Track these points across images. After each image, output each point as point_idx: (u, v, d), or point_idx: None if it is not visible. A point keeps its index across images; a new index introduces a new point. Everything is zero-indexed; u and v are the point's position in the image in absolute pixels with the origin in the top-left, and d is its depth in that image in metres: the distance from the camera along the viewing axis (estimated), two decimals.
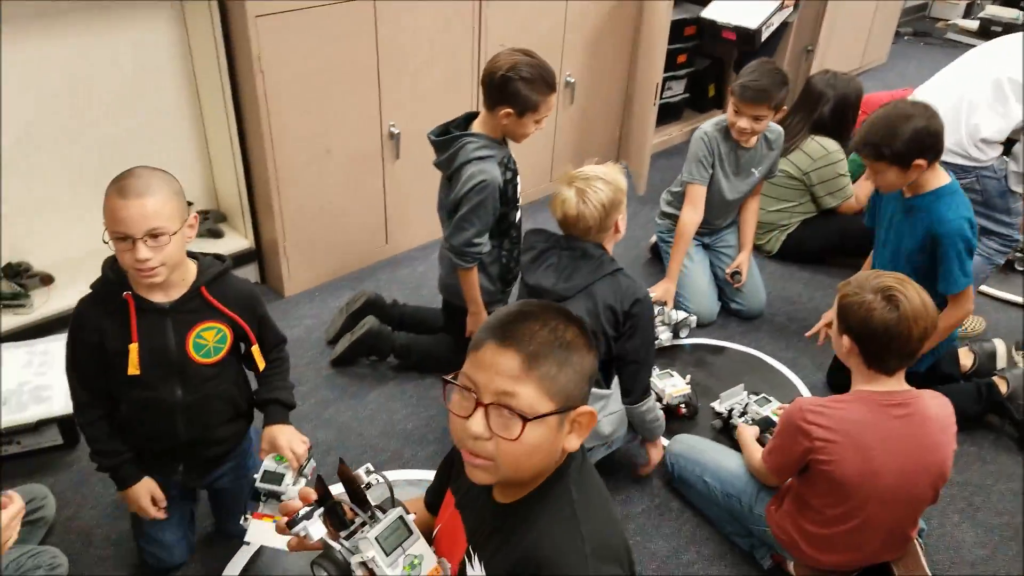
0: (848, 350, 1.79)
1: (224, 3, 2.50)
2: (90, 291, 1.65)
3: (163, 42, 2.66)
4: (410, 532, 1.37)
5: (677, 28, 3.87)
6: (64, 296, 2.58)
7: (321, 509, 1.31)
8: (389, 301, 2.79)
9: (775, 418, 2.29)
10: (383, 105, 2.92)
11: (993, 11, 6.01)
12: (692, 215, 2.80)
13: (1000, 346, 2.67)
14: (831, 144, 3.08)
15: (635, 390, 2.05)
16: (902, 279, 1.75)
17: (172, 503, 1.84)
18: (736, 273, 2.95)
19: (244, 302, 1.72)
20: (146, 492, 1.76)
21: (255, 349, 1.75)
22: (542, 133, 3.48)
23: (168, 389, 1.68)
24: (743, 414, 2.38)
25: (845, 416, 1.75)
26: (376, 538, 1.30)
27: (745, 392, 2.46)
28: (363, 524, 1.27)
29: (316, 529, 1.33)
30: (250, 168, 2.82)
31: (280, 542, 1.37)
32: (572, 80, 3.54)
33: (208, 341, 1.68)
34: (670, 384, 2.47)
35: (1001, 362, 2.65)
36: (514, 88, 2.08)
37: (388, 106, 2.94)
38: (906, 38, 5.91)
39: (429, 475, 1.48)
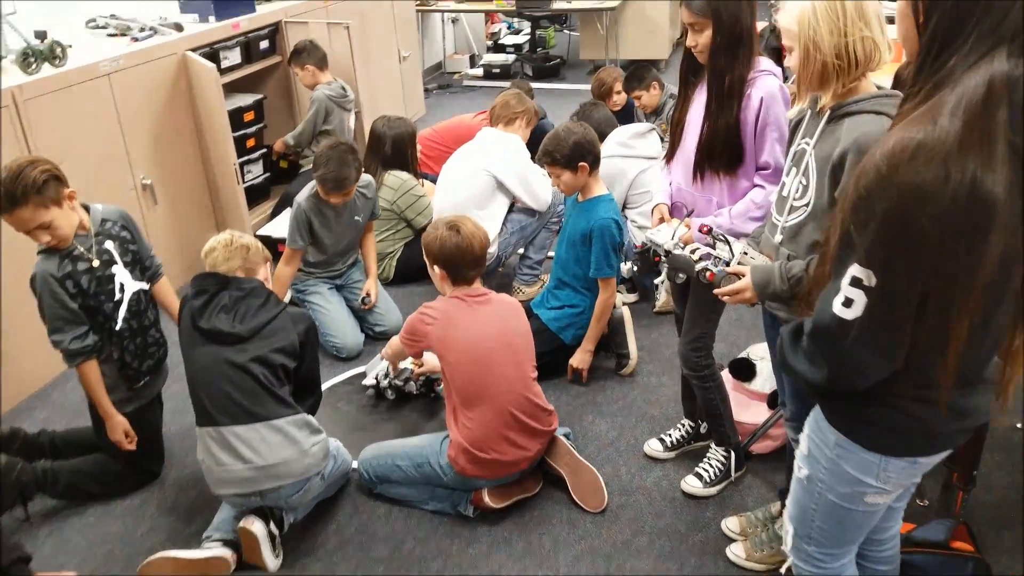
0: (441, 277, 2.34)
1: None
2: None
3: None
4: None
5: (238, 115, 4.09)
6: None
7: None
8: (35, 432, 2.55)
9: (411, 366, 2.87)
10: None
11: (489, 58, 7.40)
12: (287, 271, 3.21)
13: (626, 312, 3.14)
14: (403, 175, 3.64)
15: (313, 403, 2.37)
16: (459, 215, 2.42)
17: None
18: (367, 296, 3.31)
19: None
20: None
21: None
22: None
23: None
24: (387, 376, 2.92)
25: (444, 308, 2.32)
26: None
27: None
28: None
29: None
30: None
31: None
32: (148, 182, 3.54)
33: None
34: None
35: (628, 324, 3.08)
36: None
37: None
38: (435, 92, 6.96)
39: None
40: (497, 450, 2.25)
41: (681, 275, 1.93)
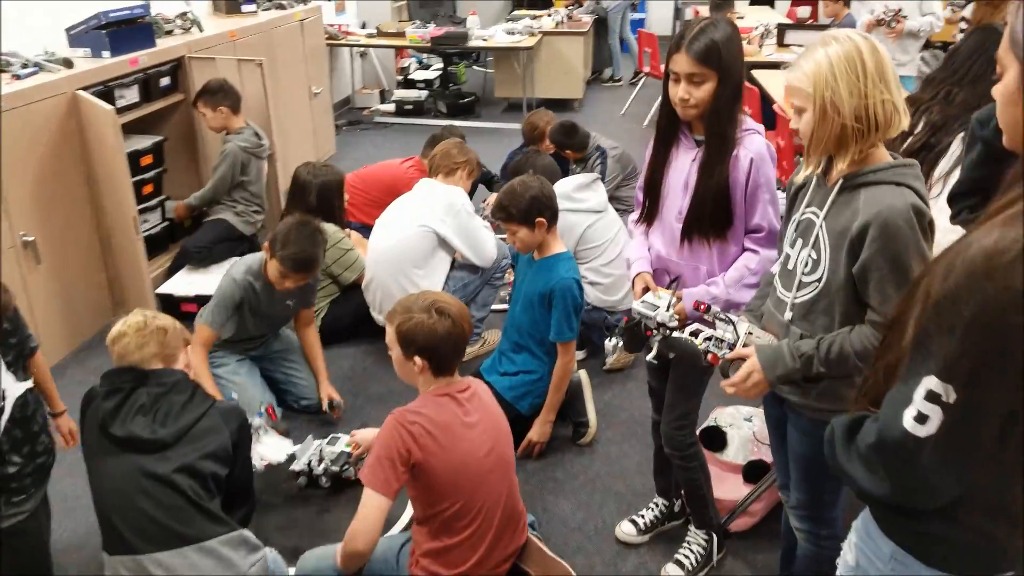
0: (421, 368, 1.89)
1: None
2: None
3: None
4: None
5: (135, 159, 3.67)
6: None
7: None
8: None
9: (348, 448, 2.56)
10: None
11: (401, 94, 7.15)
12: (202, 353, 2.76)
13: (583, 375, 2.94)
14: (330, 228, 3.29)
15: (246, 513, 2.07)
16: (436, 293, 2.01)
17: None
18: (336, 402, 2.92)
19: None
20: None
21: None
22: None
23: None
24: (321, 460, 2.59)
25: (434, 413, 1.87)
26: None
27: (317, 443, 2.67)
28: None
29: None
30: None
31: None
32: (30, 239, 3.08)
33: None
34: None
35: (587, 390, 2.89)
36: None
37: None
38: (345, 129, 6.64)
39: None
40: (474, 573, 1.95)
41: (672, 354, 1.77)
